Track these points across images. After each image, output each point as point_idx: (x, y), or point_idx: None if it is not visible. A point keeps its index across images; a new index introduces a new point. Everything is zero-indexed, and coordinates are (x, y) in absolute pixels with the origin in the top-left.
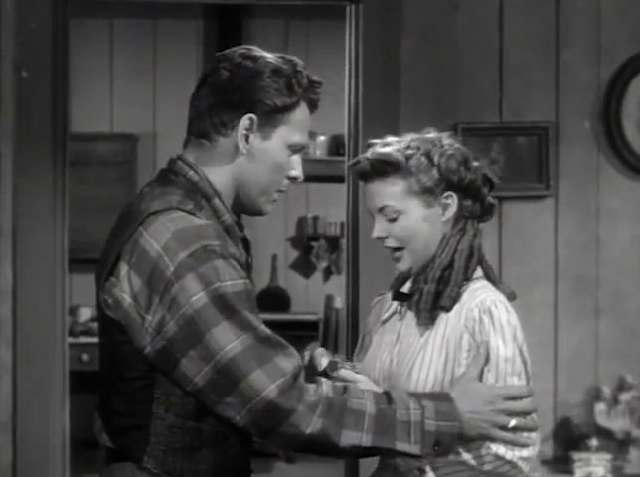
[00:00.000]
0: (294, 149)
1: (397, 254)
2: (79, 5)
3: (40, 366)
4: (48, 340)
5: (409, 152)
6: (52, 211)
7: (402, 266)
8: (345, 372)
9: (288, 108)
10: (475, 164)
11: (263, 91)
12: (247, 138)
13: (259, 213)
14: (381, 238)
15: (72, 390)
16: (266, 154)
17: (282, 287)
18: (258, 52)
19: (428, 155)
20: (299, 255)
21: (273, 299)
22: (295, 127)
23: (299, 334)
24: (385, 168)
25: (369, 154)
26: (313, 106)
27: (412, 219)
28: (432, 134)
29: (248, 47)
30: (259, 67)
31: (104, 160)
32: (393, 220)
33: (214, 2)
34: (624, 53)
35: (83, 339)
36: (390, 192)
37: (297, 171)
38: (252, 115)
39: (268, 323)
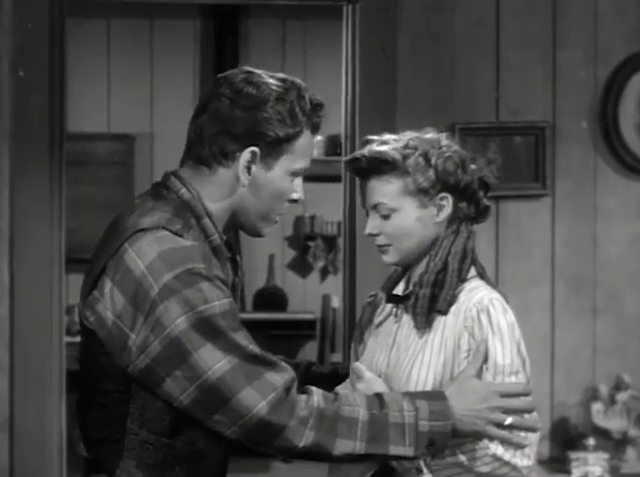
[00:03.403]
0: (297, 175)
1: (384, 248)
2: (76, 5)
3: (37, 365)
4: (45, 339)
5: (407, 151)
6: (49, 210)
7: (389, 259)
8: (358, 365)
9: (291, 138)
10: (472, 167)
11: (266, 123)
12: (249, 170)
13: (258, 235)
14: (373, 236)
15: (69, 389)
16: (269, 184)
17: (279, 287)
18: (260, 77)
19: (426, 156)
20: (296, 255)
21: (270, 299)
22: (298, 154)
23: (296, 333)
24: (381, 166)
25: (366, 151)
26: (316, 129)
27: (406, 218)
28: (430, 134)
29: (250, 70)
30: (262, 95)
31: (101, 160)
32: (386, 217)
33: (210, 2)
34: (621, 52)
35: None
36: (385, 190)
37: (298, 194)
38: (255, 148)
39: (265, 322)
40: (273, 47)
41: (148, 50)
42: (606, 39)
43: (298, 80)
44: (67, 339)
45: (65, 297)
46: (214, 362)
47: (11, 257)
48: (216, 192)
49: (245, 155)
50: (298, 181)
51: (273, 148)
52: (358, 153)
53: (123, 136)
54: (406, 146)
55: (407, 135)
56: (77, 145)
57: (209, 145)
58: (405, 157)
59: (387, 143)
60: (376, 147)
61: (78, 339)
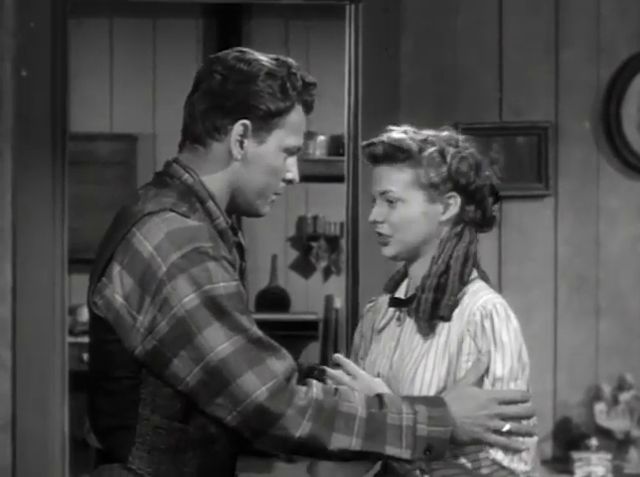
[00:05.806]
0: (290, 152)
1: (385, 239)
2: (78, 5)
3: (40, 365)
4: (48, 340)
5: (424, 144)
6: (51, 210)
7: (388, 251)
8: (350, 363)
9: (282, 112)
10: (486, 173)
11: (257, 96)
12: (242, 144)
13: (257, 215)
14: (376, 223)
15: (72, 389)
16: (261, 159)
17: (282, 287)
18: (252, 54)
19: (442, 152)
20: (299, 255)
21: (273, 299)
22: (290, 130)
23: (299, 334)
24: (396, 154)
25: (384, 138)
26: (308, 108)
27: (412, 210)
28: (449, 133)
29: (242, 49)
30: (253, 70)
31: (104, 160)
32: (392, 205)
33: (213, 2)
34: (624, 52)
35: (84, 338)
36: (395, 178)
37: (293, 174)
38: (246, 121)
39: (268, 323)
40: (276, 46)
41: (151, 49)
42: (609, 39)
43: (291, 60)
44: (69, 339)
45: (67, 297)
46: (217, 343)
47: (14, 257)
48: (211, 168)
49: (237, 128)
50: (292, 161)
51: (265, 122)
52: (376, 139)
53: (126, 136)
54: (425, 140)
55: (427, 131)
56: (79, 145)
57: (201, 121)
58: (422, 149)
59: (406, 133)
60: (395, 135)
61: (80, 339)
